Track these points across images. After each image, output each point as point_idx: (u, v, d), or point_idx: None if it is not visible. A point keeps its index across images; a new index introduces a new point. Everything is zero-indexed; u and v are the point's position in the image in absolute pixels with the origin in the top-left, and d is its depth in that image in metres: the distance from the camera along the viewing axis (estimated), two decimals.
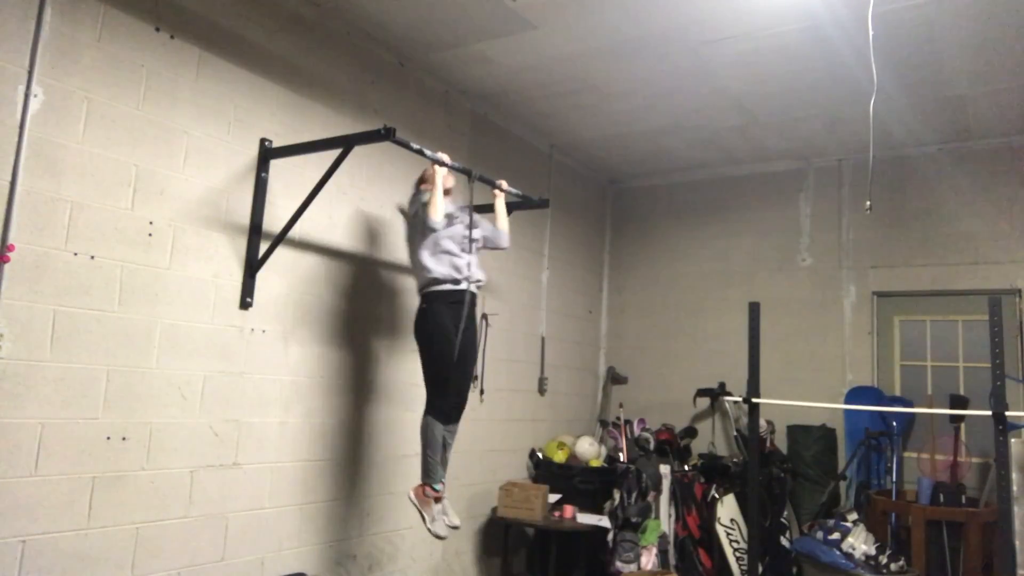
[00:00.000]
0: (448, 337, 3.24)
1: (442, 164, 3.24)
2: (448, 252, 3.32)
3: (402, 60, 4.16)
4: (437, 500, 3.28)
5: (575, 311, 5.83)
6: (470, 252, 3.38)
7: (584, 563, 4.67)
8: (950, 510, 4.19)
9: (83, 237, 2.67)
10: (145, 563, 2.81)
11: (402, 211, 4.00)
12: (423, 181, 3.51)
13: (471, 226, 3.40)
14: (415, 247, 3.38)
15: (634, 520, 4.54)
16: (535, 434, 5.22)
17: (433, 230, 3.26)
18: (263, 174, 3.30)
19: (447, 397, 3.29)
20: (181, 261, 2.99)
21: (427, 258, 3.31)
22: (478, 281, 3.39)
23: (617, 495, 4.69)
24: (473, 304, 3.37)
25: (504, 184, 3.68)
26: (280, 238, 3.25)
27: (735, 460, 5.11)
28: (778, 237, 5.55)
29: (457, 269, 3.31)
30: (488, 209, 4.07)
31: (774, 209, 5.59)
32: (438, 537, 3.33)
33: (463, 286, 3.31)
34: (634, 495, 4.64)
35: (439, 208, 3.25)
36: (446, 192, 3.36)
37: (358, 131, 3.35)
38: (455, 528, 3.40)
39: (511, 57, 4.08)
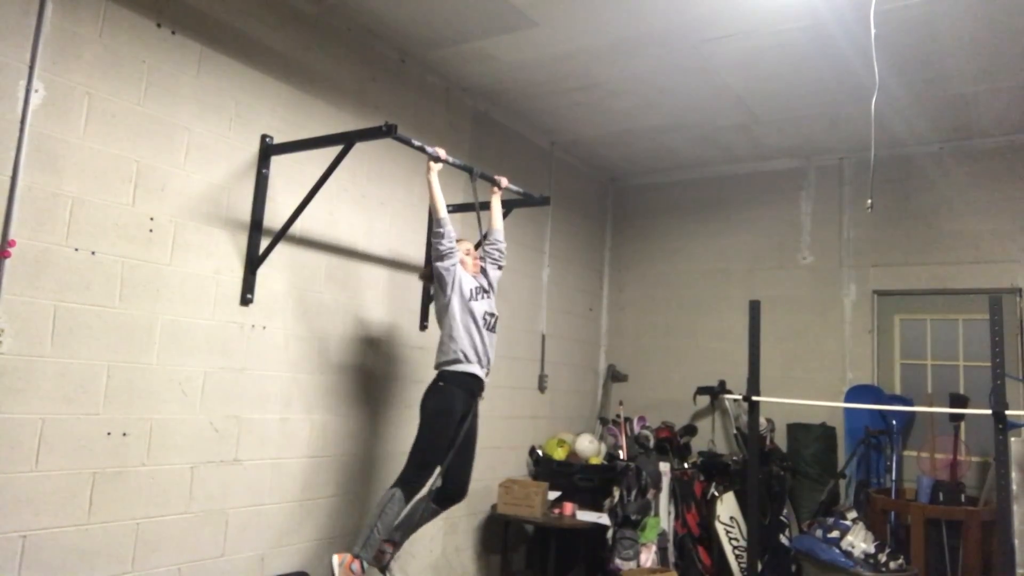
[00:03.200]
0: (452, 421, 3.14)
1: (437, 160, 3.20)
2: (477, 326, 3.19)
3: (403, 57, 4.15)
4: None
5: (576, 309, 5.83)
6: (490, 329, 3.27)
7: (583, 560, 4.67)
8: (949, 509, 4.19)
9: (84, 233, 2.67)
10: (145, 558, 2.81)
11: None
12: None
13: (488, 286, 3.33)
14: (447, 311, 3.19)
15: (634, 518, 4.55)
16: (535, 431, 5.22)
17: (440, 227, 3.14)
18: (264, 170, 3.30)
19: (423, 479, 3.13)
20: (182, 257, 2.99)
21: (459, 327, 3.16)
22: (489, 367, 3.29)
23: (617, 493, 4.69)
24: (482, 392, 3.29)
25: (504, 181, 3.65)
26: (281, 235, 3.25)
27: (735, 458, 5.11)
28: (779, 235, 5.55)
29: (478, 351, 3.20)
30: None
31: (775, 207, 5.59)
32: None
33: (480, 373, 3.22)
34: (634, 493, 4.65)
35: (441, 203, 3.17)
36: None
37: (359, 128, 3.34)
38: None
39: (512, 54, 4.07)
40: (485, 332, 3.24)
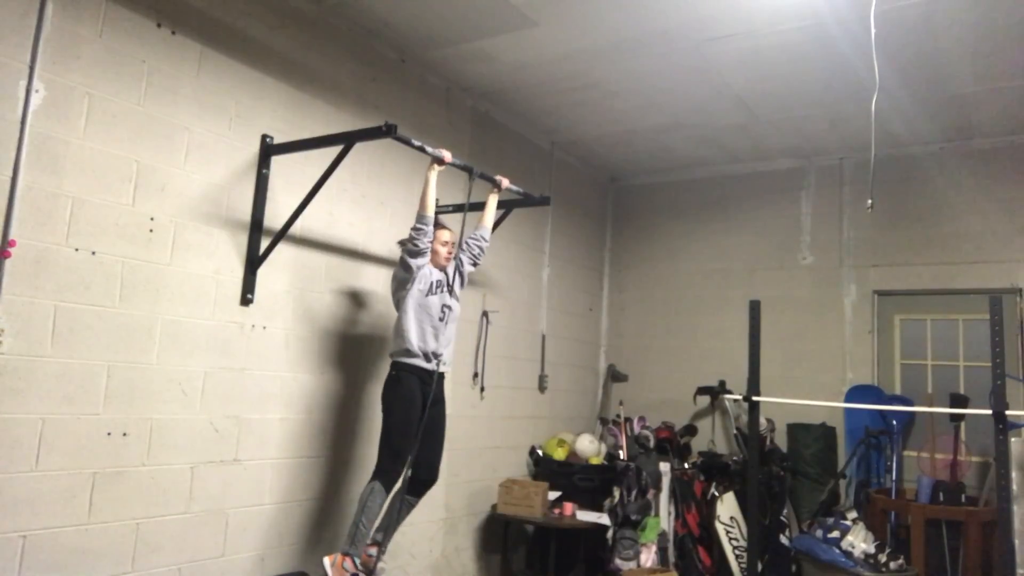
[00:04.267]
0: (415, 408, 3.17)
1: (443, 161, 3.22)
2: (431, 323, 3.23)
3: (403, 57, 4.15)
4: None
5: (576, 308, 5.83)
6: (447, 323, 3.31)
7: (584, 560, 4.67)
8: (950, 509, 4.19)
9: (84, 233, 2.67)
10: (145, 558, 2.81)
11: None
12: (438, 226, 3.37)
13: (453, 284, 3.37)
14: (401, 304, 3.27)
15: (634, 518, 4.55)
16: (535, 431, 5.22)
17: (422, 224, 3.16)
18: (264, 170, 3.30)
19: (398, 467, 3.15)
20: (182, 257, 2.99)
21: (411, 322, 3.21)
22: (446, 364, 3.31)
23: (617, 493, 4.69)
24: (441, 384, 3.34)
25: (505, 182, 3.65)
26: (281, 235, 3.25)
27: (735, 458, 5.11)
28: (779, 235, 5.54)
29: (427, 346, 3.22)
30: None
31: (775, 207, 5.58)
32: None
33: (432, 366, 3.25)
34: (634, 493, 4.65)
35: (431, 201, 3.18)
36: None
37: (359, 128, 3.35)
38: None
39: (512, 54, 4.07)
40: (440, 326, 3.27)
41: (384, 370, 3.93)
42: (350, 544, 3.06)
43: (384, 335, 3.97)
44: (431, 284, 3.27)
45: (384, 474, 3.13)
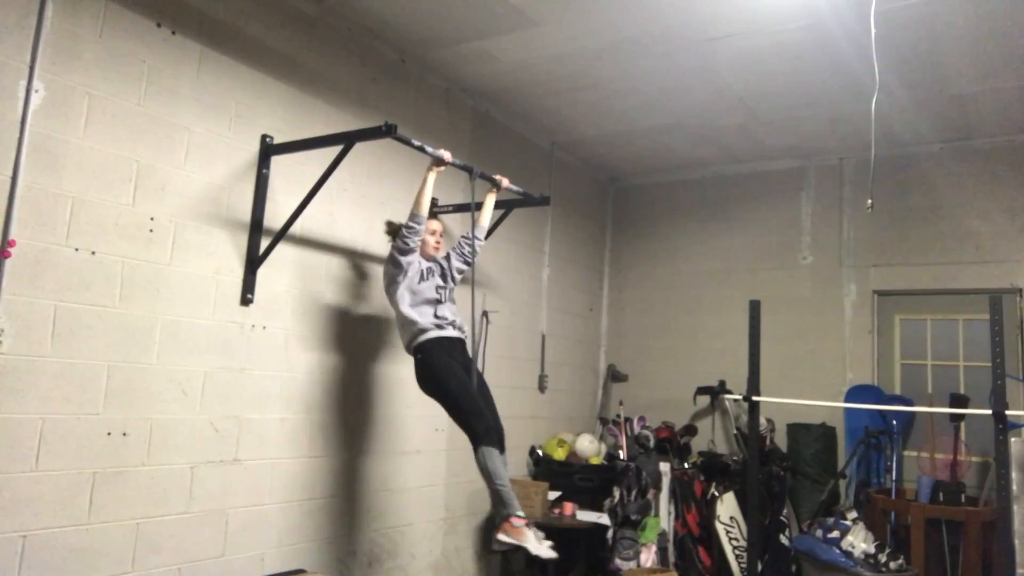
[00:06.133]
0: (454, 368, 3.17)
1: (443, 162, 3.22)
2: (428, 302, 3.26)
3: (403, 57, 4.15)
4: (528, 525, 3.03)
5: (576, 309, 5.83)
6: (445, 301, 3.32)
7: (584, 560, 4.67)
8: (950, 509, 4.19)
9: (84, 233, 2.67)
10: (145, 558, 2.81)
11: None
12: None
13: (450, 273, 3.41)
14: (394, 298, 3.28)
15: (634, 518, 4.55)
16: (535, 431, 5.22)
17: (415, 223, 3.17)
18: (264, 170, 3.30)
19: (486, 422, 3.13)
20: (182, 257, 2.99)
21: (407, 308, 3.23)
22: (462, 329, 3.33)
23: (617, 493, 4.69)
24: (465, 350, 3.31)
25: (505, 182, 3.65)
26: (281, 235, 3.25)
27: (735, 458, 5.11)
28: (779, 235, 5.55)
29: (438, 320, 3.25)
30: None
31: (775, 207, 5.59)
32: (551, 558, 3.00)
33: (451, 333, 3.25)
34: (634, 493, 4.65)
35: (427, 201, 3.20)
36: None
37: (359, 128, 3.35)
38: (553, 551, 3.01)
39: (513, 54, 4.07)
40: (439, 306, 3.28)
41: (384, 370, 3.95)
42: (505, 506, 3.05)
43: (384, 335, 3.97)
44: (421, 272, 3.28)
45: (480, 436, 3.09)
